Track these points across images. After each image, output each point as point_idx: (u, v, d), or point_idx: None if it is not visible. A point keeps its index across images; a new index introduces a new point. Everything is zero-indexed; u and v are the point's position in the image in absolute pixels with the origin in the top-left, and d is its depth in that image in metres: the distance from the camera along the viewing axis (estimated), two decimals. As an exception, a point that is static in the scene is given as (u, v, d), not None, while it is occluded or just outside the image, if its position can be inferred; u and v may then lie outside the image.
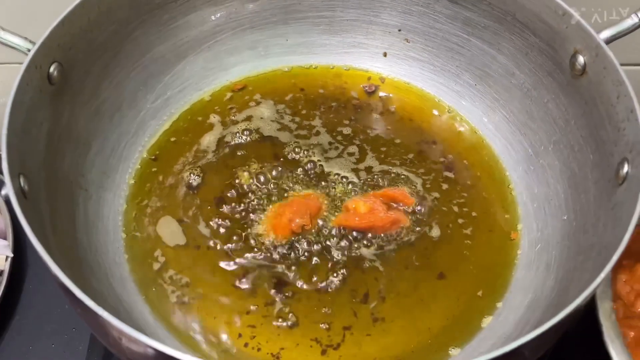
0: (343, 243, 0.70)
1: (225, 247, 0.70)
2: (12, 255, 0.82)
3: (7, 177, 0.54)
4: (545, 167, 0.74)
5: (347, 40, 0.86)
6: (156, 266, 0.69)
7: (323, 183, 0.75)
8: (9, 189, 0.53)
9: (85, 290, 0.48)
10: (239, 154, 0.78)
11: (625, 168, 0.61)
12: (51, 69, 0.64)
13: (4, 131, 0.56)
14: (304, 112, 0.83)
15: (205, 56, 0.82)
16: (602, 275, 0.52)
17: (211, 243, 0.71)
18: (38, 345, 0.80)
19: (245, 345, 0.64)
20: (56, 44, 0.65)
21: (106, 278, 0.65)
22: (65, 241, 0.63)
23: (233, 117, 0.82)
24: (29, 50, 0.62)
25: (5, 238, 0.84)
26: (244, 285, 0.68)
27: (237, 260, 0.69)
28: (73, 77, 0.68)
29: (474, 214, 0.74)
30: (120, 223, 0.72)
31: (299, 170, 0.76)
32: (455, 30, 0.80)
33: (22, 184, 0.56)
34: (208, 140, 0.80)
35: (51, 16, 0.65)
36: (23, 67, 0.60)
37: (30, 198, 0.57)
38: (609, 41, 0.65)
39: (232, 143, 0.79)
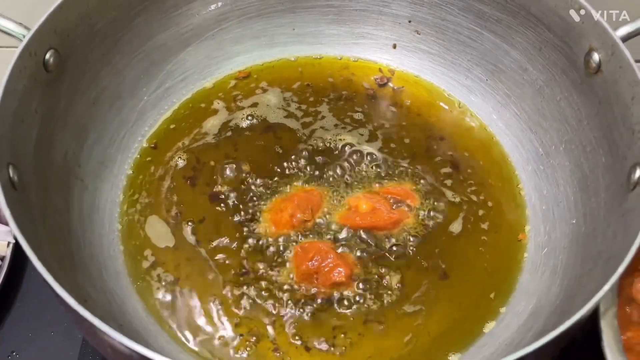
0: (343, 241, 0.68)
1: (221, 243, 0.69)
2: (14, 241, 0.81)
3: (-6, 167, 0.53)
4: (555, 168, 0.72)
5: (356, 30, 0.84)
6: (146, 264, 0.68)
7: (328, 171, 0.74)
8: (-4, 179, 0.52)
9: (75, 289, 0.47)
10: (240, 142, 0.77)
11: (638, 173, 0.59)
12: (47, 56, 0.63)
13: (-6, 120, 0.55)
14: (311, 99, 0.81)
15: (209, 44, 0.81)
16: (606, 287, 0.51)
17: (205, 240, 0.69)
18: (37, 333, 0.79)
19: (241, 335, 0.64)
20: (53, 30, 0.63)
21: (99, 272, 0.64)
22: (58, 235, 0.61)
23: (239, 104, 0.80)
24: (23, 37, 0.61)
25: (7, 224, 0.83)
26: (237, 281, 0.67)
27: (235, 256, 0.68)
28: (71, 65, 0.66)
29: (480, 213, 0.72)
30: (116, 215, 0.71)
31: (304, 157, 0.75)
32: (468, 23, 0.78)
33: (11, 174, 0.55)
34: (211, 124, 0.78)
35: (49, 1, 0.63)
36: (16, 54, 0.59)
37: (20, 189, 0.56)
38: (626, 39, 0.62)
39: (237, 127, 0.78)
